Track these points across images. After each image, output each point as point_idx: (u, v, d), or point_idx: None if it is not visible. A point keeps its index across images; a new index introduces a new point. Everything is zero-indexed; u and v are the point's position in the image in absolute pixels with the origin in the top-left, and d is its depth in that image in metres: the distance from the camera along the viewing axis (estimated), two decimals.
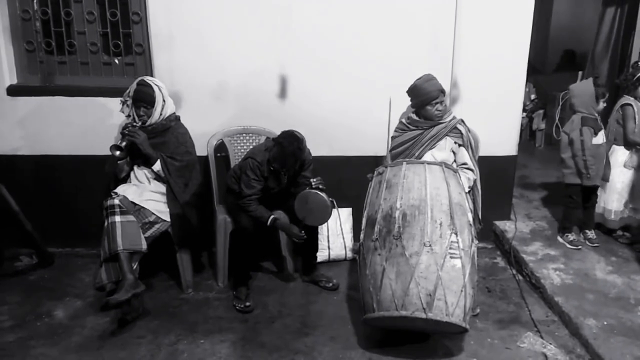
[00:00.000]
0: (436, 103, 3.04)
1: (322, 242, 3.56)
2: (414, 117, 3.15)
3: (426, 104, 3.04)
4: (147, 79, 3.12)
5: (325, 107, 3.59)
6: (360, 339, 2.82)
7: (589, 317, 2.85)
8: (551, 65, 6.90)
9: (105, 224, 2.92)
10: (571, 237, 3.66)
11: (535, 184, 4.91)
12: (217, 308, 3.12)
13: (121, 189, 3.04)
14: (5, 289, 3.31)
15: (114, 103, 3.24)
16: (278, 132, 3.15)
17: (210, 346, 2.76)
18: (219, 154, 3.58)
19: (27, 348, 2.73)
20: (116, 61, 3.59)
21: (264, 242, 3.40)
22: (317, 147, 3.33)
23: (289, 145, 2.97)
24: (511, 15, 3.52)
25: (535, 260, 3.45)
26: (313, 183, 3.07)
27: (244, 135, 3.60)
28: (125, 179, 3.18)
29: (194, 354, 2.70)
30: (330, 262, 3.65)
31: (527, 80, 3.77)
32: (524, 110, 5.54)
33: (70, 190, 3.64)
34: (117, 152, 3.00)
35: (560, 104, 5.62)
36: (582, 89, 3.59)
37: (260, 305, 3.15)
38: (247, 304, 3.10)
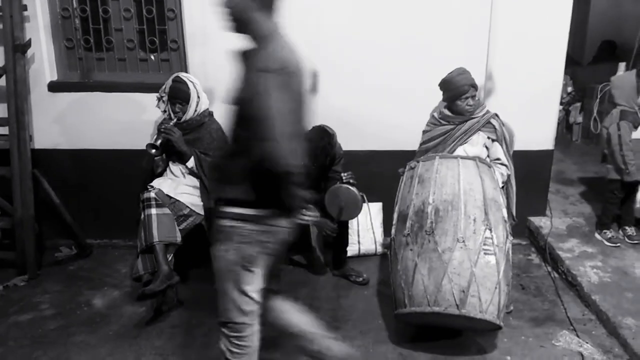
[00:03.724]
0: (467, 97, 2.99)
1: (352, 237, 3.56)
2: (446, 111, 3.11)
3: (457, 98, 3.00)
4: (182, 75, 3.17)
5: (355, 101, 3.57)
6: (391, 334, 2.81)
7: (628, 316, 2.77)
8: (589, 56, 6.68)
9: (142, 216, 2.99)
10: (609, 234, 3.56)
11: (572, 179, 4.78)
12: None
13: (157, 183, 3.12)
14: (46, 278, 3.44)
15: (150, 98, 3.32)
16: (309, 127, 3.16)
17: None
18: None
19: (68, 335, 2.84)
20: (152, 57, 3.67)
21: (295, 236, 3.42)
22: (347, 141, 3.33)
23: (319, 141, 2.99)
24: (549, 5, 3.42)
25: (572, 258, 3.37)
26: (344, 177, 3.07)
27: None
28: (162, 173, 3.26)
29: None
30: (360, 257, 3.65)
31: (565, 72, 3.66)
32: (561, 103, 5.39)
33: (108, 183, 3.74)
34: (153, 150, 3.08)
35: (599, 96, 5.46)
36: (624, 80, 3.48)
37: (291, 298, 3.17)
38: None
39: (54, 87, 3.62)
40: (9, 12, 3.32)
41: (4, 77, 3.39)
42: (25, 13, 3.42)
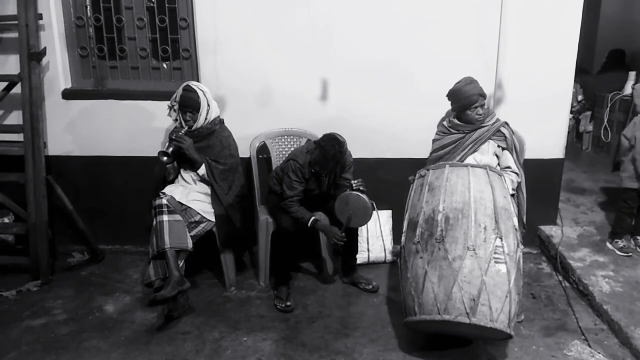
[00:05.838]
0: (476, 107, 2.99)
1: (361, 244, 3.56)
2: (455, 120, 3.11)
3: (466, 108, 3.00)
4: (193, 84, 3.20)
5: (365, 109, 3.59)
6: (401, 342, 2.81)
7: None
8: (598, 65, 6.65)
9: (154, 222, 3.03)
10: (621, 243, 3.53)
11: (583, 187, 4.76)
12: (259, 307, 3.18)
13: (169, 190, 3.16)
14: (58, 283, 3.47)
15: (162, 106, 3.35)
16: (319, 134, 3.19)
17: (253, 344, 2.82)
18: (261, 156, 3.64)
19: (80, 341, 2.86)
20: (164, 66, 3.71)
21: (305, 243, 3.44)
22: (357, 149, 3.35)
23: (330, 149, 3.00)
24: (559, 14, 3.42)
25: (583, 267, 3.35)
26: (354, 185, 3.08)
27: (286, 137, 3.65)
28: (173, 181, 3.29)
29: (237, 350, 2.76)
30: (370, 264, 3.65)
31: (574, 81, 3.66)
32: (571, 111, 5.37)
33: (120, 190, 3.78)
34: (165, 158, 3.11)
35: (609, 105, 5.44)
36: None
37: (301, 305, 3.19)
38: (288, 303, 3.15)
39: (68, 94, 3.67)
40: (24, 20, 3.38)
41: (19, 84, 3.45)
42: (41, 22, 3.49)
